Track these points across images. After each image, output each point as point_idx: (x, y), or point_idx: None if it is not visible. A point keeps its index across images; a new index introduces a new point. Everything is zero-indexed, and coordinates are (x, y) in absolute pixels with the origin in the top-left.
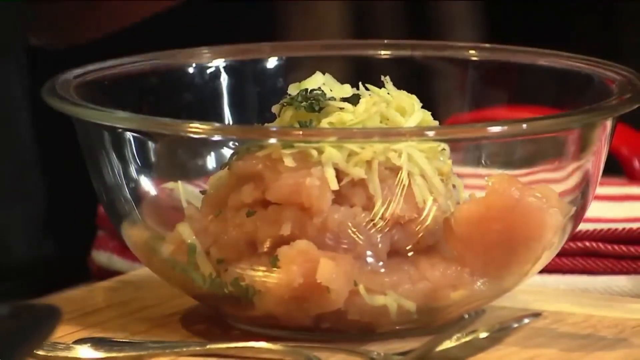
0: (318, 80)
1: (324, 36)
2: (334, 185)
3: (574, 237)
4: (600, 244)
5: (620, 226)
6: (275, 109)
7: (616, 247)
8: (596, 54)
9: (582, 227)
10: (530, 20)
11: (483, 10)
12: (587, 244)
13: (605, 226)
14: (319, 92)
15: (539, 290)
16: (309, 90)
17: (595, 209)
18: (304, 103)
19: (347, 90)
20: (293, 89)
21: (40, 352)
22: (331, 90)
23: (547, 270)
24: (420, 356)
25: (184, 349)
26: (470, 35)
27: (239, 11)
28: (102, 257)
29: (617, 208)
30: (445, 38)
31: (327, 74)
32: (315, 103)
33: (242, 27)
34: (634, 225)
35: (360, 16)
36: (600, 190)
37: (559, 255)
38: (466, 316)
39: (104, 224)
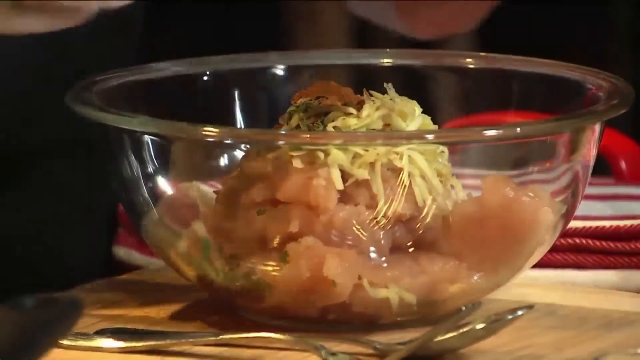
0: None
1: (329, 45)
2: (340, 186)
3: (565, 233)
4: (589, 241)
5: (608, 224)
6: (282, 120)
7: (604, 243)
8: (586, 61)
9: (572, 224)
10: (524, 28)
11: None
12: (577, 240)
13: (594, 224)
14: (321, 99)
15: (532, 284)
16: (313, 98)
17: (584, 208)
18: (309, 111)
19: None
20: (296, 98)
21: (64, 342)
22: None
23: (540, 265)
24: (420, 346)
25: (199, 339)
26: (466, 42)
27: (249, 22)
28: (121, 252)
29: (605, 207)
30: (444, 46)
31: (328, 81)
32: (316, 108)
33: (251, 38)
34: (621, 223)
35: (363, 26)
36: (589, 190)
37: (550, 251)
38: (463, 308)
39: (124, 221)
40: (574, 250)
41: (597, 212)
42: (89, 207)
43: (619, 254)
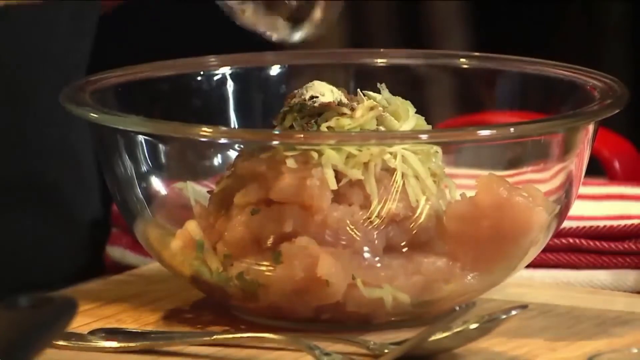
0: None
1: (323, 45)
2: (333, 186)
3: (559, 233)
4: (583, 241)
5: (601, 224)
6: (276, 120)
7: (598, 243)
8: (581, 61)
9: (566, 224)
10: (518, 28)
11: (473, 19)
12: (571, 240)
13: (587, 224)
14: (315, 98)
15: (526, 284)
16: (307, 99)
17: (578, 208)
18: (303, 111)
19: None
20: (290, 98)
21: (58, 342)
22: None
23: (534, 265)
24: (414, 346)
25: (193, 339)
26: (460, 43)
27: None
28: (115, 252)
29: (599, 206)
30: (438, 46)
31: (322, 82)
32: (310, 108)
33: (247, 37)
34: (615, 223)
35: (358, 26)
36: (583, 190)
37: (544, 250)
38: (457, 308)
39: (118, 221)
40: (568, 250)
41: (591, 212)
42: (78, 208)
43: (612, 253)
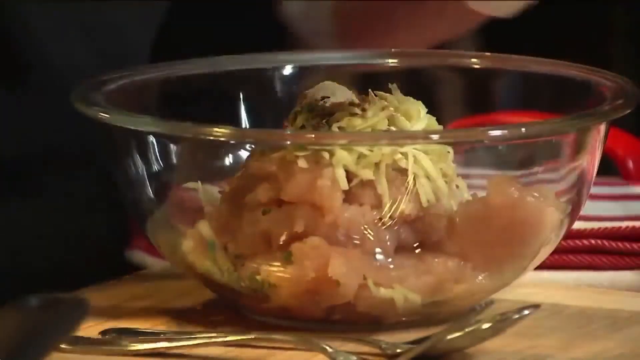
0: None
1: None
2: (344, 186)
3: (580, 235)
4: (605, 241)
5: (624, 224)
6: (287, 121)
7: (620, 244)
8: (591, 61)
9: (587, 225)
10: (528, 27)
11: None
12: (592, 241)
13: (608, 224)
14: (327, 98)
15: (538, 284)
16: (318, 99)
17: (597, 208)
18: (314, 111)
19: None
20: (301, 99)
21: (68, 342)
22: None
23: (555, 266)
24: (432, 345)
25: (204, 339)
26: (470, 42)
27: (255, 23)
28: (135, 256)
29: (617, 207)
30: (448, 46)
31: (333, 82)
32: (321, 109)
33: (257, 38)
34: (637, 224)
35: None
36: (601, 190)
37: (566, 252)
38: (477, 307)
39: (136, 225)
40: (590, 252)
41: (609, 212)
42: (103, 208)
43: (635, 254)
